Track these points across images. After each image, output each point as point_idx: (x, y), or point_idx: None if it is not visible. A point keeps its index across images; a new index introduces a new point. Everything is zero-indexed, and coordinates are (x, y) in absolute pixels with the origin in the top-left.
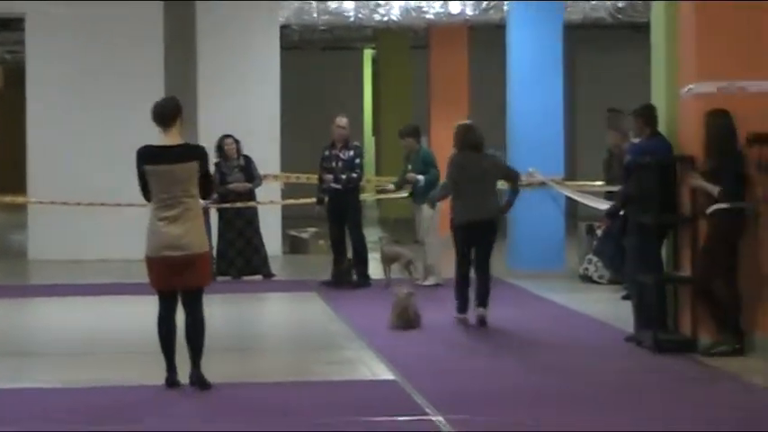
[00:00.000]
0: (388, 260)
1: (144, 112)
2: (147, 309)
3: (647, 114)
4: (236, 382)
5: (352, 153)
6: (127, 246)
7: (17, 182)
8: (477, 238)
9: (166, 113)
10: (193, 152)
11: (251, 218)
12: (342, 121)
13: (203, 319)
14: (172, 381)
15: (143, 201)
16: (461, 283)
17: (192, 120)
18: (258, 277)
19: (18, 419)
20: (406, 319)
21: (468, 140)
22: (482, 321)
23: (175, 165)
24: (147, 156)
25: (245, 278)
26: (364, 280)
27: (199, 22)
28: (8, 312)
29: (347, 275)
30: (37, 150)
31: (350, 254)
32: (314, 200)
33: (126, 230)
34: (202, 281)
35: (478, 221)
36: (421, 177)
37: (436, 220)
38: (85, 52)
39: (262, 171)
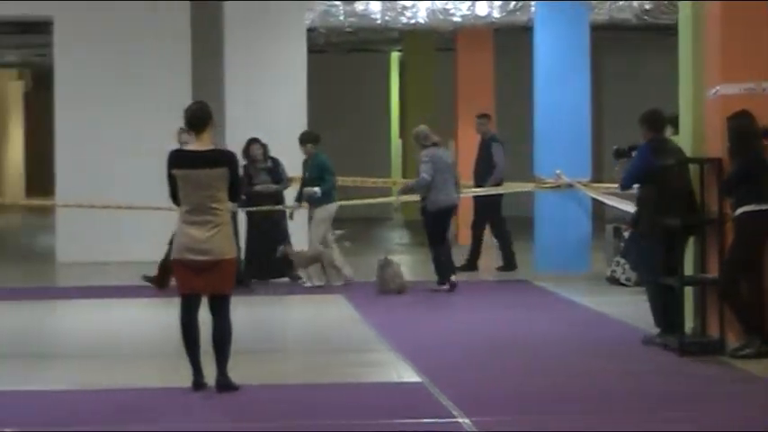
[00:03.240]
0: (308, 261)
1: (171, 115)
2: (172, 311)
3: (652, 119)
4: (261, 384)
5: None
6: (153, 248)
7: (45, 184)
8: (447, 220)
9: (198, 119)
10: (223, 158)
11: (278, 220)
12: (181, 131)
13: (230, 324)
14: (198, 383)
15: (169, 203)
16: (447, 257)
17: (219, 123)
18: (285, 279)
19: (41, 421)
20: (391, 285)
21: (433, 140)
22: (454, 286)
23: (204, 170)
24: (178, 160)
25: (273, 281)
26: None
27: (226, 26)
28: (34, 314)
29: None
30: (64, 153)
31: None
32: (340, 203)
33: (152, 233)
34: (227, 287)
35: (449, 206)
36: (317, 189)
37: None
38: (113, 55)
39: (289, 174)
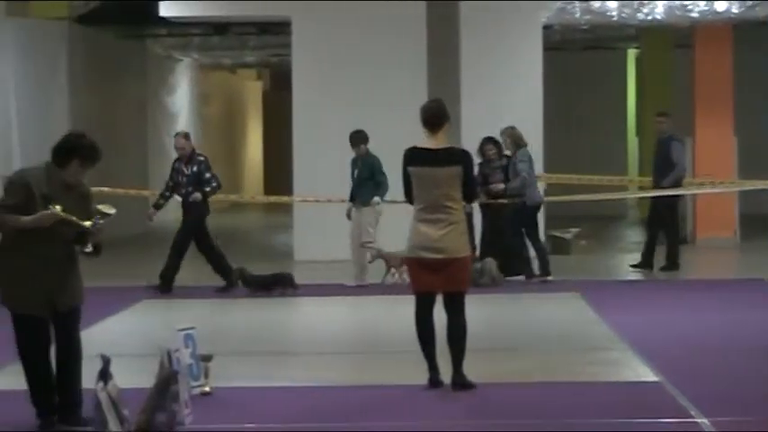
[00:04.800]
0: (401, 262)
1: (407, 114)
2: (410, 309)
3: None
4: (497, 383)
5: (196, 168)
6: (386, 246)
7: (283, 183)
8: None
9: (435, 117)
10: (458, 157)
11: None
12: (177, 136)
13: (465, 322)
14: (434, 381)
15: (401, 199)
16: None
17: (454, 120)
18: (520, 278)
19: (282, 417)
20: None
21: (524, 139)
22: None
23: (439, 168)
24: (413, 157)
25: (507, 278)
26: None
27: (461, 24)
28: (269, 313)
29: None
30: (302, 150)
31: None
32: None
33: (386, 231)
34: (461, 285)
35: (542, 201)
36: (377, 199)
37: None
38: (349, 54)
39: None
